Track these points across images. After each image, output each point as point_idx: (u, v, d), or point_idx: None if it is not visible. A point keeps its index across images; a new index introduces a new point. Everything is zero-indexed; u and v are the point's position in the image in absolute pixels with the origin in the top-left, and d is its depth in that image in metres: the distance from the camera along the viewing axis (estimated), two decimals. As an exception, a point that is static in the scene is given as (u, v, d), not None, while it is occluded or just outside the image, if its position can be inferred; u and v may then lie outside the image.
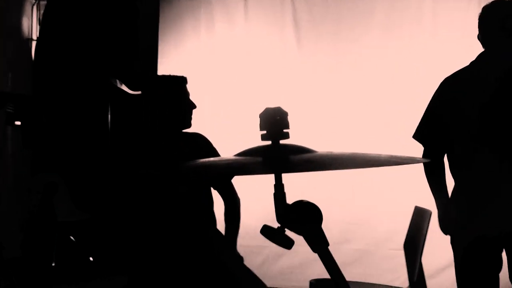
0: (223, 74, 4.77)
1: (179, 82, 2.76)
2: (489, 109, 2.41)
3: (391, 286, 3.25)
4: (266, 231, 1.36)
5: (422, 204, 4.41)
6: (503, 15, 2.53)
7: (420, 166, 4.32)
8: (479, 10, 4.41)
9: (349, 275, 3.61)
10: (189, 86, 4.74)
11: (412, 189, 4.47)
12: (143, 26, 4.85)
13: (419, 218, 2.94)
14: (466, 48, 4.46)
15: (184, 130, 2.84)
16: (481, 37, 2.63)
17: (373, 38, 4.60)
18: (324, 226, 4.92)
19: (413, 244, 2.89)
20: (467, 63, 4.36)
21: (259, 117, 1.36)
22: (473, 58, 4.35)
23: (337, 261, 3.46)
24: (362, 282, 3.03)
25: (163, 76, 2.81)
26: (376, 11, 4.62)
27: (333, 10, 4.67)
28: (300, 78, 4.70)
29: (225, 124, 4.64)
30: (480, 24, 2.63)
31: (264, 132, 1.37)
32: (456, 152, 2.52)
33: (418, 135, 2.61)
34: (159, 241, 2.69)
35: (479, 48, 4.40)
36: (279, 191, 1.30)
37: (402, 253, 4.48)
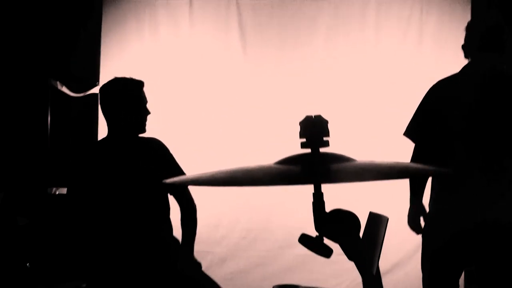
0: (167, 79, 4.70)
1: (138, 86, 2.72)
2: (471, 117, 2.58)
3: None
4: (304, 240, 1.34)
5: (365, 209, 4.47)
6: (483, 29, 2.68)
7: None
8: (421, 19, 4.54)
9: (293, 280, 3.65)
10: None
11: (355, 194, 4.52)
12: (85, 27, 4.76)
13: (375, 224, 3.00)
14: (408, 56, 4.57)
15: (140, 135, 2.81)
16: (464, 48, 2.79)
17: (317, 45, 4.63)
18: (268, 230, 4.98)
19: (369, 250, 2.95)
20: (409, 70, 4.48)
21: (299, 124, 1.36)
22: (414, 65, 4.49)
23: (281, 266, 3.44)
24: (316, 287, 3.04)
25: (122, 79, 2.74)
26: (320, 19, 4.65)
27: (278, 16, 4.67)
28: (246, 83, 4.68)
29: (168, 129, 4.57)
30: (465, 36, 2.78)
31: (304, 140, 1.37)
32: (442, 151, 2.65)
33: (410, 133, 2.77)
34: (116, 248, 2.64)
35: (419, 56, 4.52)
36: (318, 200, 1.27)
37: (345, 257, 4.51)
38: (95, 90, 4.71)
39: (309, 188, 5.22)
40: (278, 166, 1.37)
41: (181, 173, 2.80)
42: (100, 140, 2.82)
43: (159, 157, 2.78)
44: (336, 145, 5.23)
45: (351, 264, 5.01)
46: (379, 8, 4.59)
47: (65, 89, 4.73)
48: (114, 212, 2.65)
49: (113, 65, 4.71)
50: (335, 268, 4.45)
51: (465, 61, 4.31)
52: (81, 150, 2.82)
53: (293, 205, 4.55)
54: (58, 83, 4.70)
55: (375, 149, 4.39)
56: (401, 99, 4.49)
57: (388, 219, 2.97)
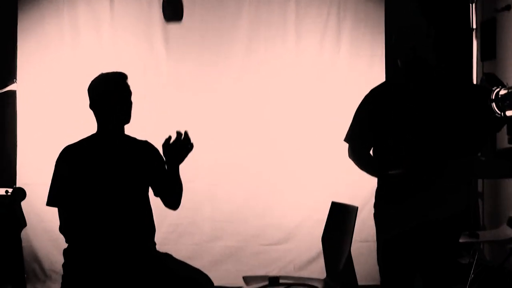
0: (88, 78, 4.56)
1: (123, 78, 2.86)
2: (410, 118, 2.67)
3: (311, 278, 3.33)
4: None
5: (289, 200, 4.57)
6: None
7: (280, 167, 4.52)
8: (338, 24, 4.64)
9: (221, 272, 3.69)
10: (53, 91, 4.54)
11: (278, 186, 4.61)
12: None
13: (342, 213, 3.16)
14: (326, 65, 4.70)
15: (131, 136, 2.92)
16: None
17: (239, 49, 4.69)
18: (194, 224, 4.97)
19: (335, 238, 3.18)
20: (327, 79, 4.63)
21: None
22: (334, 67, 4.63)
23: (210, 258, 3.47)
24: (285, 276, 3.12)
25: (107, 73, 2.89)
26: (241, 20, 4.69)
27: (200, 17, 4.66)
28: (168, 83, 4.66)
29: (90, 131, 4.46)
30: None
31: None
32: (383, 150, 2.76)
33: (349, 139, 2.86)
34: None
35: (337, 64, 4.66)
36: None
37: (272, 248, 4.61)
38: (12, 87, 4.57)
39: (233, 183, 5.27)
40: None
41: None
42: (89, 137, 2.88)
43: (154, 160, 2.88)
44: (259, 153, 5.30)
45: (278, 254, 5.14)
46: (298, 13, 4.69)
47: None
48: (102, 208, 2.72)
49: (31, 63, 4.60)
50: (262, 258, 4.54)
51: (373, 69, 4.53)
52: (71, 148, 2.83)
53: (220, 199, 4.59)
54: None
55: (296, 155, 4.60)
56: (319, 105, 4.69)
57: (357, 208, 3.06)
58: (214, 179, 4.59)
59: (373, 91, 2.84)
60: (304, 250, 4.58)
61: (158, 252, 2.89)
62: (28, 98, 4.59)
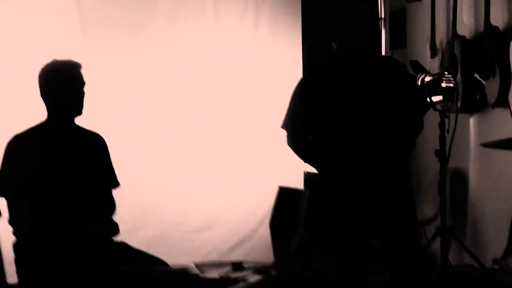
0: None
1: (76, 67, 2.80)
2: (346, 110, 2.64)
3: (263, 262, 3.36)
4: None
5: (211, 187, 4.60)
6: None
7: (201, 153, 4.54)
8: (256, 8, 4.70)
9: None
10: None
11: (198, 173, 4.64)
12: None
13: (292, 197, 3.20)
14: (245, 43, 4.73)
15: (81, 126, 2.88)
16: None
17: (158, 26, 4.65)
18: (116, 214, 4.88)
19: (285, 223, 3.23)
20: (246, 56, 4.66)
21: None
22: (244, 46, 4.68)
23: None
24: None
25: (61, 61, 2.81)
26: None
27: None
28: (86, 65, 4.54)
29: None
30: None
31: None
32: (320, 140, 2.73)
33: (286, 126, 2.77)
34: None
35: (256, 43, 4.70)
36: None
37: (195, 235, 4.63)
38: None
39: (153, 170, 5.15)
40: None
41: (111, 175, 2.93)
42: (37, 125, 2.82)
43: (97, 153, 2.89)
44: (180, 137, 5.12)
45: (202, 242, 5.15)
46: None
47: None
48: (52, 199, 2.71)
49: None
50: (186, 246, 4.56)
51: (291, 54, 4.61)
52: (20, 137, 2.79)
53: (141, 187, 4.56)
54: None
55: (217, 140, 4.61)
56: (240, 90, 4.72)
57: (308, 191, 3.07)
58: (132, 165, 4.55)
59: (308, 76, 2.79)
60: (227, 236, 4.63)
61: (114, 241, 2.89)
62: None
